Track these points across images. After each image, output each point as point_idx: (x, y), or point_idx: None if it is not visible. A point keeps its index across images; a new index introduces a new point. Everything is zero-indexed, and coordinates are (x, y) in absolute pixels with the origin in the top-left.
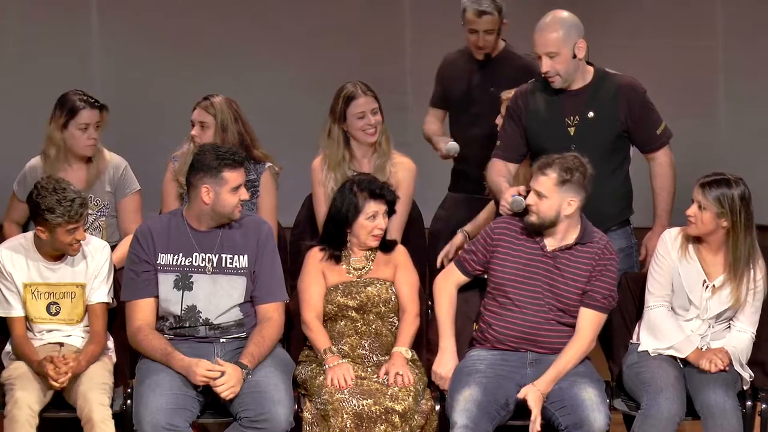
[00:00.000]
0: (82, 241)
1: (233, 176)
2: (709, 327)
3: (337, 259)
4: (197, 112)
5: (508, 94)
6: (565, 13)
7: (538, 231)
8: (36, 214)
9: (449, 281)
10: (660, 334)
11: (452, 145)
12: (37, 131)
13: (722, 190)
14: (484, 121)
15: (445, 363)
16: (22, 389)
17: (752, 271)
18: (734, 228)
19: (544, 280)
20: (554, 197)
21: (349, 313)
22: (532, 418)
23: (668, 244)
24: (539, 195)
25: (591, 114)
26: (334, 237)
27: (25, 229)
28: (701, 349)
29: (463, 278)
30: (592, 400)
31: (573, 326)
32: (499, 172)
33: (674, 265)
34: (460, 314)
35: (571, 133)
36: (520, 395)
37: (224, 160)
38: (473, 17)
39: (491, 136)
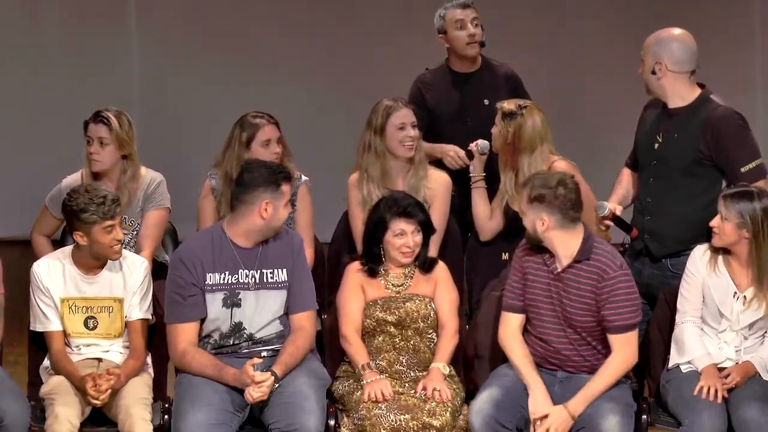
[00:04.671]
0: (121, 243)
1: (288, 189)
2: (744, 339)
3: (373, 273)
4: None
5: (505, 105)
6: (673, 33)
7: (542, 250)
8: (72, 221)
9: (510, 328)
10: (682, 348)
11: (484, 143)
12: (71, 146)
13: (744, 202)
14: (481, 133)
15: (541, 403)
16: (63, 404)
17: None
18: (756, 239)
19: (555, 302)
20: (529, 215)
21: (388, 328)
22: None
23: (696, 260)
24: (522, 211)
25: (675, 135)
26: (370, 252)
27: (56, 243)
28: (737, 362)
29: (520, 318)
30: (613, 430)
31: (595, 350)
32: (619, 179)
33: (703, 279)
34: (497, 332)
35: (655, 149)
36: (538, 414)
37: (280, 174)
38: (459, 10)
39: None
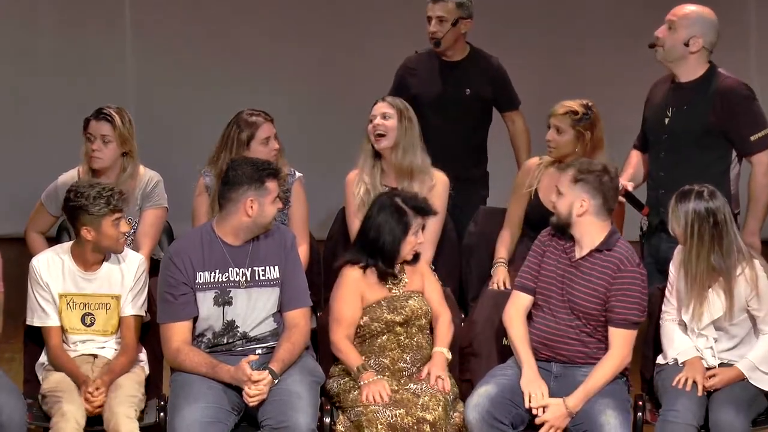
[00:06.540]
0: (126, 235)
1: (274, 186)
2: (715, 341)
3: (392, 277)
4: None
5: (575, 106)
6: (711, 13)
7: (563, 231)
8: (77, 216)
9: (516, 307)
10: (667, 345)
11: None
12: (68, 146)
13: (683, 202)
14: (461, 122)
15: (531, 378)
16: (70, 402)
17: (725, 285)
18: (684, 242)
19: (565, 288)
20: (569, 195)
21: (395, 328)
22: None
23: (676, 259)
24: (558, 192)
25: (685, 107)
26: (388, 255)
27: (51, 240)
28: (716, 366)
29: (528, 299)
30: (610, 424)
31: (595, 338)
32: (629, 160)
33: (676, 281)
34: (493, 329)
35: (666, 123)
36: (538, 404)
37: (265, 171)
38: (430, 4)
39: (470, 138)
